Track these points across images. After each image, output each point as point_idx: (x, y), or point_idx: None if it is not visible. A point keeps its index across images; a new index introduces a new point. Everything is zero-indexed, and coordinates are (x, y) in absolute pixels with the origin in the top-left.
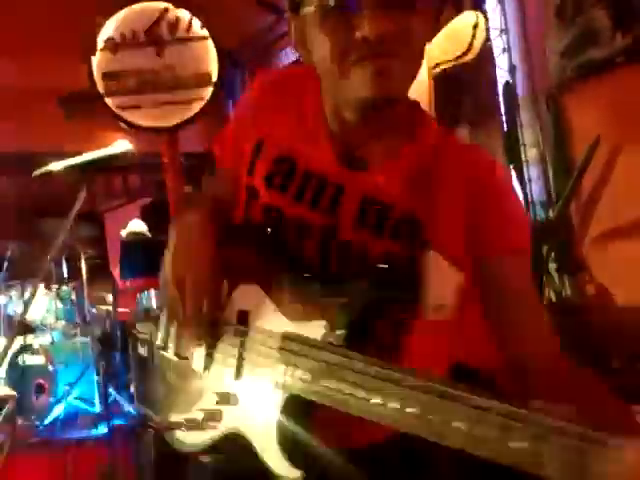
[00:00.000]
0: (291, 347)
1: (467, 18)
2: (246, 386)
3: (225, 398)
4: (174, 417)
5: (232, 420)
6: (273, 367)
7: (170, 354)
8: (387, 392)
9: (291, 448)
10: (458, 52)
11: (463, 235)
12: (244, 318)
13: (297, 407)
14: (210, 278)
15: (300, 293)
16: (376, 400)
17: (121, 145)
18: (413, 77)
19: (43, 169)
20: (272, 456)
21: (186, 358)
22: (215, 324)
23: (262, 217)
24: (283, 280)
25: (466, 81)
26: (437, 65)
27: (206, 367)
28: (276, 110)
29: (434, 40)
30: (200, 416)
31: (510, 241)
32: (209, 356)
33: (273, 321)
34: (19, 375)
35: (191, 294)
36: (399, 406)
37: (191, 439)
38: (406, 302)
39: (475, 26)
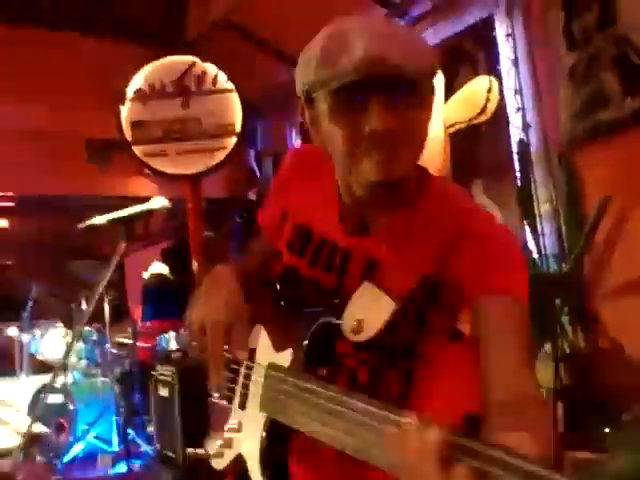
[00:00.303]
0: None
1: (481, 83)
2: (248, 414)
3: (234, 427)
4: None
5: (237, 446)
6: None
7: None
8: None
9: (270, 470)
10: (472, 114)
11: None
12: (252, 354)
13: (276, 432)
14: (229, 324)
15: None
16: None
17: (159, 201)
18: (417, 159)
19: (88, 222)
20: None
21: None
22: (234, 363)
23: (282, 276)
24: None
25: (482, 138)
26: (452, 125)
27: (226, 400)
28: (300, 184)
29: (450, 101)
30: (220, 444)
31: (492, 283)
32: (230, 390)
33: (266, 354)
34: (40, 413)
35: (210, 338)
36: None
37: (217, 463)
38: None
39: (489, 90)
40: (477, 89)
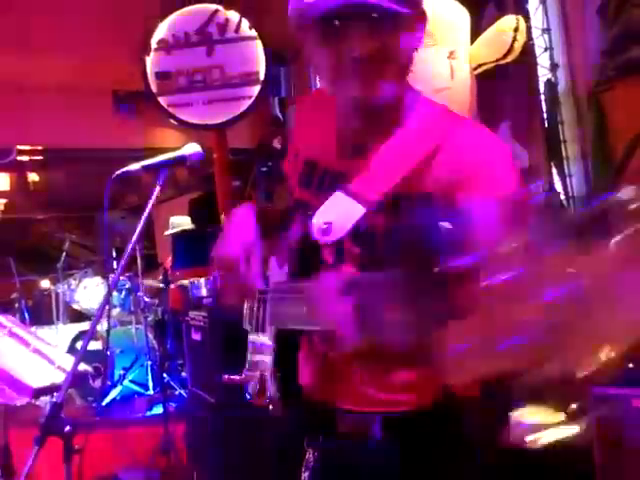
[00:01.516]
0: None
1: (508, 22)
2: (266, 334)
3: (256, 350)
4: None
5: (260, 367)
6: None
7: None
8: None
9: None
10: (499, 54)
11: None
12: (267, 280)
13: (283, 340)
14: (246, 258)
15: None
16: None
17: (192, 147)
18: (398, 81)
19: (122, 170)
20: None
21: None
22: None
23: (294, 205)
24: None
25: (508, 79)
26: (479, 66)
27: (251, 324)
28: (307, 122)
29: (476, 42)
30: (247, 368)
31: (483, 188)
32: (254, 318)
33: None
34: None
35: (240, 265)
36: None
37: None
38: None
39: (515, 29)
40: (504, 29)
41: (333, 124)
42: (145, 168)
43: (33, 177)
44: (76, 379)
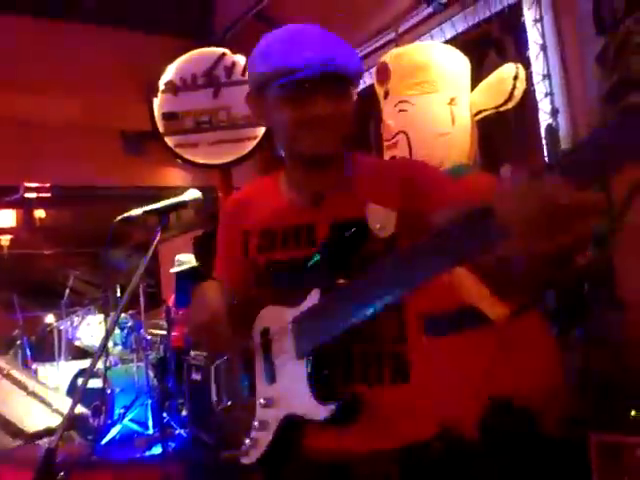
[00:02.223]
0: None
1: (508, 70)
2: (282, 376)
3: (266, 404)
4: None
5: (275, 419)
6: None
7: None
8: None
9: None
10: (499, 101)
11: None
12: (266, 332)
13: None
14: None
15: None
16: None
17: (192, 193)
18: (345, 138)
19: (124, 215)
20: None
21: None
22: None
23: (265, 269)
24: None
25: (510, 125)
26: (480, 112)
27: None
28: (247, 209)
29: (477, 89)
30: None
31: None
32: (248, 381)
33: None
34: (79, 397)
35: (208, 333)
36: None
37: (250, 455)
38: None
39: (515, 77)
40: (503, 76)
41: (279, 191)
42: (146, 213)
43: (40, 213)
44: (73, 422)
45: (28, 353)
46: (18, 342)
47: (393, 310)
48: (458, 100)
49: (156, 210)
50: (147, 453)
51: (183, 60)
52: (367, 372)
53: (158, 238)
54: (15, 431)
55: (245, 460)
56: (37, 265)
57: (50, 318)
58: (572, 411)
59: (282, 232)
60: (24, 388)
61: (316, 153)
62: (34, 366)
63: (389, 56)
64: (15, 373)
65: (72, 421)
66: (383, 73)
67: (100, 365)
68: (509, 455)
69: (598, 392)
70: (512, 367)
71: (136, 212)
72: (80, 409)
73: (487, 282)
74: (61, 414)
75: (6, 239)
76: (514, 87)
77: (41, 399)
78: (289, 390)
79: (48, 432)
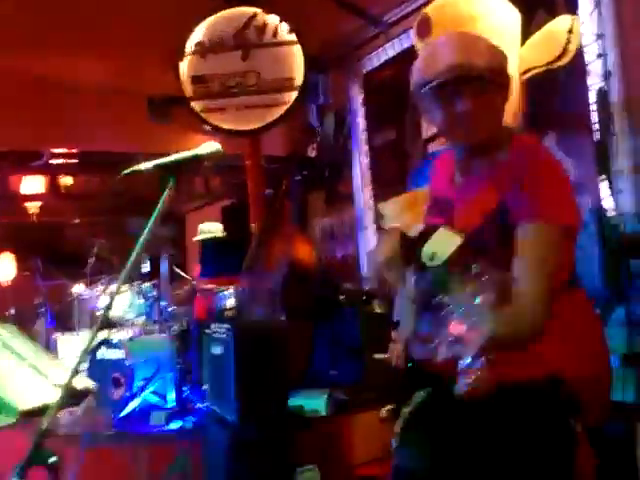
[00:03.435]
0: None
1: (562, 22)
2: None
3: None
4: None
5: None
6: None
7: None
8: None
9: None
10: (551, 57)
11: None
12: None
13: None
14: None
15: None
16: None
17: (210, 146)
18: (495, 127)
19: (132, 168)
20: None
21: None
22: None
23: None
24: None
25: (558, 87)
26: (528, 70)
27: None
28: (435, 174)
29: (526, 44)
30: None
31: (532, 211)
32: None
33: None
34: (98, 368)
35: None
36: None
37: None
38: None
39: (570, 30)
40: (557, 29)
41: (451, 167)
42: (157, 167)
43: (66, 180)
44: (75, 398)
45: (51, 321)
46: (41, 310)
47: None
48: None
49: (168, 164)
50: (166, 427)
51: (212, 21)
52: None
53: (169, 196)
54: (6, 407)
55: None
56: (64, 233)
57: (80, 287)
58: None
59: (442, 201)
60: (22, 359)
61: (466, 142)
62: (55, 335)
63: (431, 8)
64: (14, 342)
65: (75, 397)
66: (424, 27)
67: (121, 336)
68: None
69: None
70: (557, 349)
71: (146, 165)
72: (86, 384)
73: None
74: (67, 390)
75: (35, 206)
76: (568, 41)
77: (40, 373)
78: None
79: (44, 410)
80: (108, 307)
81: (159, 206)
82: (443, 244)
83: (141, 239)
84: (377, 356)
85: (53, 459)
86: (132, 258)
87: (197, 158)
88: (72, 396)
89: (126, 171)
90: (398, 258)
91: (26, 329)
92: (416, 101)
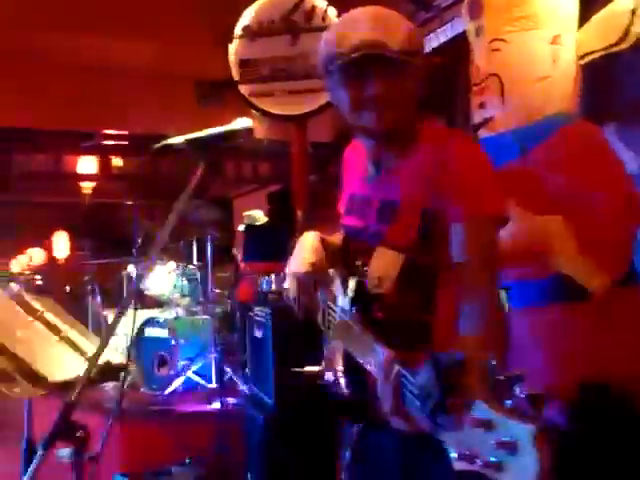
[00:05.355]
0: None
1: (624, 3)
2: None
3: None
4: None
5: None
6: None
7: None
8: None
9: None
10: (611, 41)
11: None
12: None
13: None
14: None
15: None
16: None
17: (241, 122)
18: (405, 114)
19: (162, 142)
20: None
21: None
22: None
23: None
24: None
25: (619, 73)
26: (586, 54)
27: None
28: (348, 167)
29: (585, 27)
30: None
31: (464, 208)
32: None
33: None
34: (143, 346)
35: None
36: None
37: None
38: None
39: (633, 12)
40: (619, 10)
41: (365, 158)
42: (188, 142)
43: (117, 162)
44: (111, 373)
45: (98, 299)
46: (89, 288)
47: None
48: (562, 39)
49: (199, 139)
50: (208, 407)
51: (261, 4)
52: None
53: (200, 173)
54: (36, 378)
55: None
56: (116, 214)
57: (131, 267)
58: None
59: (358, 198)
60: (57, 332)
61: (373, 129)
62: (105, 312)
63: None
64: (50, 316)
65: (111, 372)
66: (475, 7)
67: (167, 315)
68: (604, 444)
69: None
70: (611, 348)
71: (177, 140)
72: (118, 358)
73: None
74: (94, 364)
75: (88, 187)
76: (631, 23)
77: (75, 346)
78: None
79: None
80: (139, 283)
81: (191, 182)
82: (385, 266)
83: (172, 216)
84: None
85: (80, 433)
86: (162, 234)
87: (229, 134)
88: (108, 371)
89: (157, 145)
90: (324, 266)
91: (78, 307)
92: (320, 76)
